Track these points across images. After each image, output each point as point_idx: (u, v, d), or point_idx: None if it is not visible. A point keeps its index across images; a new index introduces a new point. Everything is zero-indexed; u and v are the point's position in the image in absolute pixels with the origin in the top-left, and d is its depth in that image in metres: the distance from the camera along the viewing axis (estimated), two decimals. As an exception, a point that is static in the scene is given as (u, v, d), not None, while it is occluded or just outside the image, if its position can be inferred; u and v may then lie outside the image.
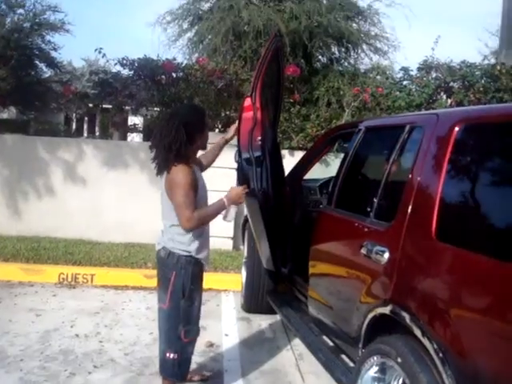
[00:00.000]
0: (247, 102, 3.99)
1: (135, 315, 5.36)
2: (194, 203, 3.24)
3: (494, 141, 2.54)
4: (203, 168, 3.76)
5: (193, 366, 4.20)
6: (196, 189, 3.28)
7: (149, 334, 4.80)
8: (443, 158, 2.63)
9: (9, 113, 12.73)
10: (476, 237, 2.36)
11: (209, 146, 3.81)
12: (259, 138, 3.96)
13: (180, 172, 3.21)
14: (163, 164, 3.30)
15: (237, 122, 3.97)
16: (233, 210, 3.39)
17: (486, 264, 2.19)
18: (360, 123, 3.92)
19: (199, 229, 3.33)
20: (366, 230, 3.14)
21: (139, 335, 4.83)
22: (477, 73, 8.52)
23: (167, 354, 3.40)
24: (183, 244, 3.32)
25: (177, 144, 3.22)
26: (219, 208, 3.35)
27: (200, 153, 3.71)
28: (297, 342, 4.71)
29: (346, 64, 10.95)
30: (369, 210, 3.16)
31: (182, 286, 3.31)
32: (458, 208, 2.58)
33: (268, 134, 4.27)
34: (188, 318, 3.37)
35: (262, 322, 5.38)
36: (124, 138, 10.20)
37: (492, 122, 2.58)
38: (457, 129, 2.64)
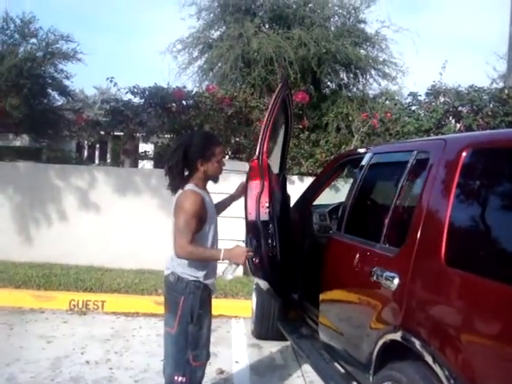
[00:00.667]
0: (254, 165, 4.06)
1: (146, 342, 5.35)
2: (193, 232, 3.20)
3: (501, 165, 2.55)
4: None
5: (203, 393, 4.20)
6: (202, 218, 3.26)
7: (159, 360, 4.73)
8: (451, 183, 2.64)
9: (22, 140, 12.89)
10: (486, 262, 2.36)
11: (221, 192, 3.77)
12: (267, 203, 4.00)
13: (188, 198, 3.22)
14: (172, 188, 3.35)
15: (244, 180, 3.95)
16: (232, 268, 3.32)
17: (496, 289, 2.19)
18: (368, 149, 3.95)
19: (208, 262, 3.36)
20: (375, 255, 3.14)
21: (150, 362, 4.82)
22: (485, 97, 8.54)
23: (175, 378, 3.36)
24: (192, 269, 3.32)
25: (176, 168, 3.27)
26: (213, 257, 3.30)
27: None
28: (308, 368, 4.67)
29: (355, 90, 11.05)
30: (378, 235, 3.16)
31: (190, 311, 3.31)
32: (467, 233, 2.58)
33: (276, 194, 4.32)
34: (197, 342, 3.36)
35: (273, 348, 5.35)
36: (135, 165, 10.29)
37: (499, 147, 2.60)
38: (464, 154, 2.66)
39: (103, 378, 4.47)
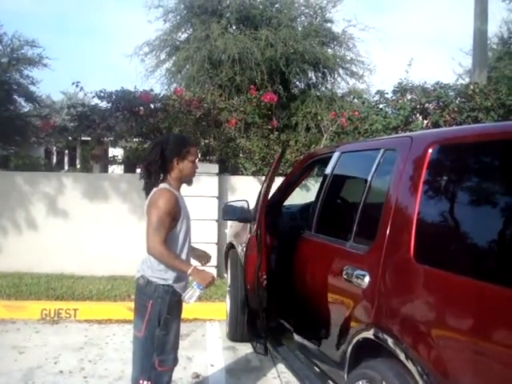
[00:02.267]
0: (253, 241, 4.14)
1: (119, 349, 5.29)
2: (167, 231, 3.20)
3: (467, 160, 2.58)
4: None
5: (179, 398, 4.17)
6: (175, 217, 3.27)
7: (132, 363, 4.73)
8: (418, 180, 2.66)
9: (-12, 148, 12.66)
10: (454, 257, 2.38)
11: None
12: (264, 276, 4.09)
13: (161, 196, 3.24)
14: (146, 187, 3.37)
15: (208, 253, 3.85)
16: (196, 294, 3.26)
17: (464, 284, 2.21)
18: (336, 148, 3.96)
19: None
20: (346, 254, 3.15)
21: (124, 369, 4.76)
22: (451, 93, 8.67)
23: (140, 382, 3.37)
24: (161, 272, 3.28)
25: (154, 166, 3.29)
26: (180, 267, 3.25)
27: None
28: (284, 369, 4.67)
29: (324, 89, 11.12)
30: (348, 234, 3.17)
31: (158, 315, 3.29)
32: (435, 229, 2.60)
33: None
34: (163, 347, 3.34)
35: (248, 350, 5.32)
36: (105, 170, 10.19)
37: (464, 143, 2.62)
38: (430, 150, 2.68)
39: (77, 387, 4.42)
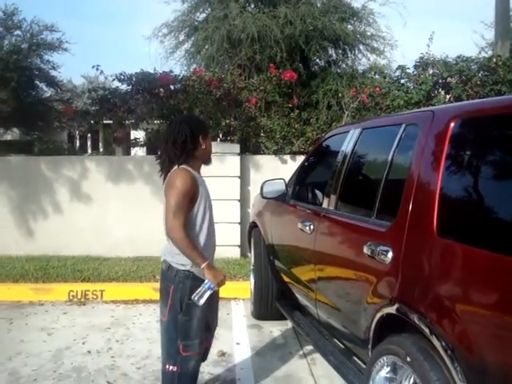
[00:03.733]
0: None
1: (146, 329, 5.37)
2: (186, 213, 3.16)
3: (490, 134, 2.54)
4: None
5: (205, 376, 4.23)
6: (194, 198, 3.22)
7: (160, 347, 4.80)
8: (441, 154, 2.62)
9: (12, 134, 12.83)
10: (477, 231, 2.36)
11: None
12: None
13: (180, 176, 3.18)
14: (166, 166, 3.31)
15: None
16: (206, 294, 3.17)
17: (488, 258, 2.19)
18: (357, 124, 3.92)
19: (197, 243, 3.26)
20: (368, 230, 3.13)
21: (151, 349, 4.84)
22: (473, 67, 8.50)
23: (167, 366, 3.36)
24: (180, 257, 3.23)
25: (182, 137, 3.24)
26: (195, 260, 3.16)
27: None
28: (309, 346, 4.71)
29: (344, 66, 10.97)
30: (370, 210, 3.16)
31: (179, 300, 3.26)
32: (458, 203, 2.57)
33: None
34: (186, 333, 3.30)
35: (273, 328, 5.37)
36: (127, 152, 10.25)
37: (487, 115, 2.58)
38: (453, 124, 2.64)
39: (105, 366, 4.50)
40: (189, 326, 3.29)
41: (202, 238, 3.30)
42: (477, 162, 2.57)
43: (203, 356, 3.55)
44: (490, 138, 2.54)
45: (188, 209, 3.18)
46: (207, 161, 3.44)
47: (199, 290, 3.18)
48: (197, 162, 3.35)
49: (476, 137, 2.64)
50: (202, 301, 3.18)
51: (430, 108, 3.35)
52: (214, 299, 3.45)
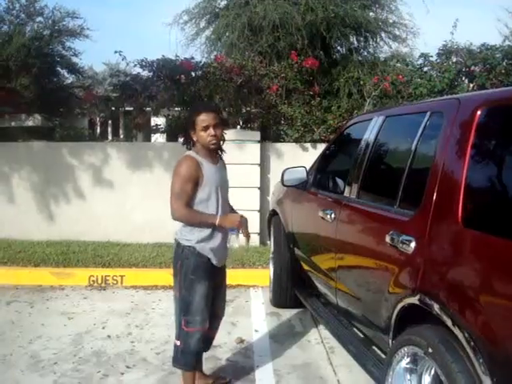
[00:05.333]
0: None
1: (165, 314, 5.39)
2: (189, 196, 3.35)
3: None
4: None
5: (223, 363, 4.25)
6: (199, 182, 3.37)
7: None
8: (466, 143, 2.58)
9: (34, 120, 12.92)
10: (503, 222, 2.31)
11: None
12: None
13: (182, 162, 3.39)
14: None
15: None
16: (233, 237, 3.48)
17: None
18: (381, 112, 3.88)
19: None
20: (391, 219, 3.10)
21: (170, 334, 4.82)
22: (497, 55, 8.37)
23: (175, 340, 3.55)
24: (186, 233, 3.44)
25: (185, 139, 3.56)
26: (207, 221, 3.40)
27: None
28: (327, 335, 4.68)
29: (366, 53, 10.85)
30: (393, 199, 3.12)
31: (184, 275, 3.41)
32: (483, 193, 2.53)
33: None
34: (187, 308, 3.42)
35: (292, 316, 5.37)
36: (148, 139, 10.27)
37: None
38: (479, 112, 2.59)
39: (125, 351, 4.53)
40: (190, 302, 3.41)
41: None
42: (503, 151, 2.52)
43: (205, 346, 3.64)
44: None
45: (191, 192, 3.36)
46: (215, 150, 3.52)
47: (229, 238, 3.49)
48: (202, 149, 3.46)
49: (503, 126, 2.58)
50: (233, 244, 3.50)
51: (456, 96, 3.30)
52: (221, 288, 3.70)
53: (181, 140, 3.88)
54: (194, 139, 3.44)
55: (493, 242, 2.27)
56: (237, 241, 3.47)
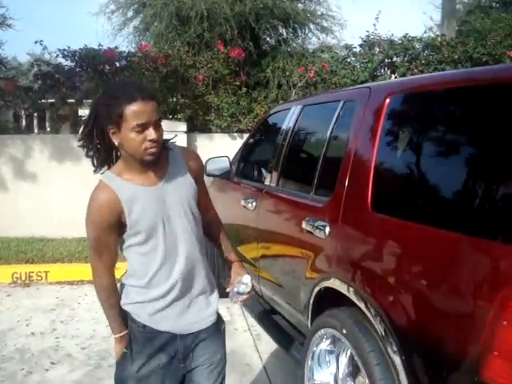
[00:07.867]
0: None
1: (91, 309, 5.30)
2: (112, 250, 2.15)
3: (424, 110, 2.56)
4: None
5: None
6: (123, 223, 2.08)
7: (105, 326, 4.69)
8: (376, 130, 2.65)
9: (-46, 113, 12.37)
10: (410, 206, 2.39)
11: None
12: None
13: (91, 200, 2.09)
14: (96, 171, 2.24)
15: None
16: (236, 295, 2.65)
17: (421, 232, 2.21)
18: (299, 101, 3.93)
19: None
20: (307, 206, 3.16)
21: (96, 328, 4.79)
22: (418, 46, 8.63)
23: None
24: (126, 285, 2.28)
25: (88, 141, 2.16)
26: (109, 322, 2.27)
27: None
28: (254, 322, 4.73)
29: (295, 45, 10.96)
30: (309, 186, 3.18)
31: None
32: (391, 178, 2.61)
33: None
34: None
35: (219, 305, 5.37)
36: (75, 131, 9.99)
37: (422, 91, 2.60)
38: (388, 100, 2.66)
39: (49, 347, 4.44)
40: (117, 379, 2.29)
41: (159, 289, 2.18)
42: (412, 137, 2.60)
43: None
44: (423, 113, 2.56)
45: (115, 241, 2.14)
46: (145, 161, 2.05)
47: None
48: (127, 163, 2.10)
49: (411, 112, 2.67)
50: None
51: (367, 84, 3.38)
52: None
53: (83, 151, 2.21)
54: (115, 143, 2.04)
55: (400, 226, 2.34)
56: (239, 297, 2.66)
